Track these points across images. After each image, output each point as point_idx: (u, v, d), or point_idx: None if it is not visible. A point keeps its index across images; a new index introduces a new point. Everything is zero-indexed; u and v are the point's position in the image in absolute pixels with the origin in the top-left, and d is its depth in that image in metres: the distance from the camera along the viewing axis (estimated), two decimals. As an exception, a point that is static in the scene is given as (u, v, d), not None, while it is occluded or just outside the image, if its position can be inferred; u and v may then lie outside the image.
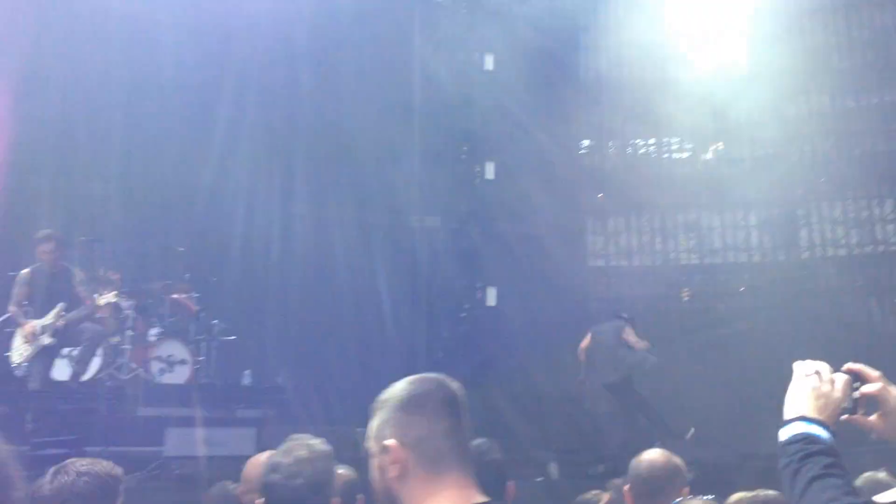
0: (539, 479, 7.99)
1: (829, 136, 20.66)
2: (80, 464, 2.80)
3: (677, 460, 3.14)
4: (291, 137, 14.70)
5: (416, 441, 1.84)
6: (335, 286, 14.69)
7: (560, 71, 18.28)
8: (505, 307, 15.15)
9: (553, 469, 8.23)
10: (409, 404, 1.89)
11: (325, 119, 14.81)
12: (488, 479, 2.89)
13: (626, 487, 3.12)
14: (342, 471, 3.12)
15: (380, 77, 15.32)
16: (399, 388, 1.91)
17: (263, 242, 14.40)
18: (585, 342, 11.83)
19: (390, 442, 1.84)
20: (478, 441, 3.08)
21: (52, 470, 2.82)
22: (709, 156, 22.14)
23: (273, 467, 2.66)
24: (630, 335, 11.01)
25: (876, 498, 1.80)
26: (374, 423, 1.88)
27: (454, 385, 1.92)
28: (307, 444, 2.69)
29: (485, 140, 15.66)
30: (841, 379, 1.92)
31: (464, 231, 15.27)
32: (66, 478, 2.73)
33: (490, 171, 15.44)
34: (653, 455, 3.12)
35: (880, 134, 20.36)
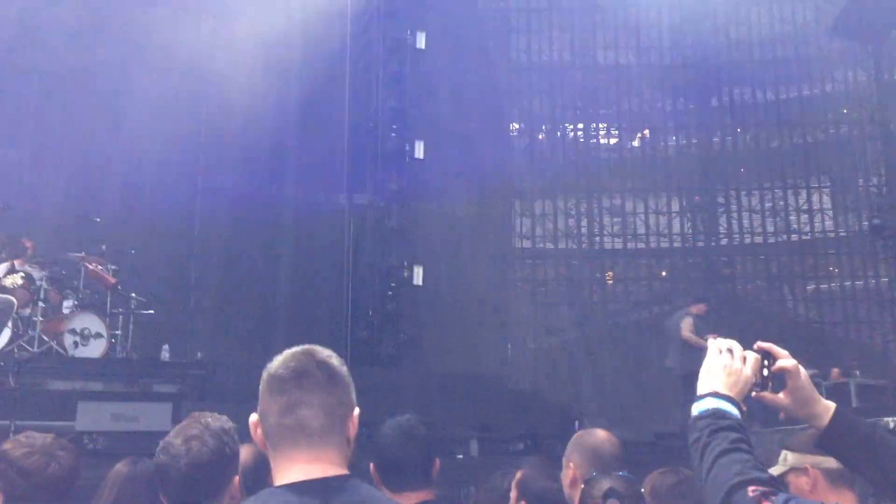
0: (459, 457, 8.06)
1: (749, 128, 21.30)
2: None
3: (616, 438, 3.19)
4: (213, 109, 14.34)
5: (264, 416, 1.82)
6: (259, 261, 14.47)
7: (492, 53, 18.30)
8: (431, 286, 15.17)
9: (473, 446, 8.31)
10: (267, 379, 1.84)
11: (251, 92, 14.49)
12: (415, 455, 2.86)
13: (571, 465, 3.13)
14: (249, 448, 3.05)
15: (309, 51, 15.08)
16: (271, 362, 1.85)
17: (185, 215, 14.06)
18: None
19: (251, 417, 1.82)
20: (405, 416, 3.04)
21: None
22: (635, 143, 22.57)
23: (163, 447, 2.56)
24: (686, 328, 10.96)
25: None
26: None
27: (319, 357, 1.84)
28: (202, 422, 2.59)
29: (415, 119, 15.58)
30: (752, 357, 1.96)
31: (392, 209, 15.20)
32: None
33: (420, 150, 15.37)
34: (599, 435, 3.16)
35: (797, 127, 21.08)
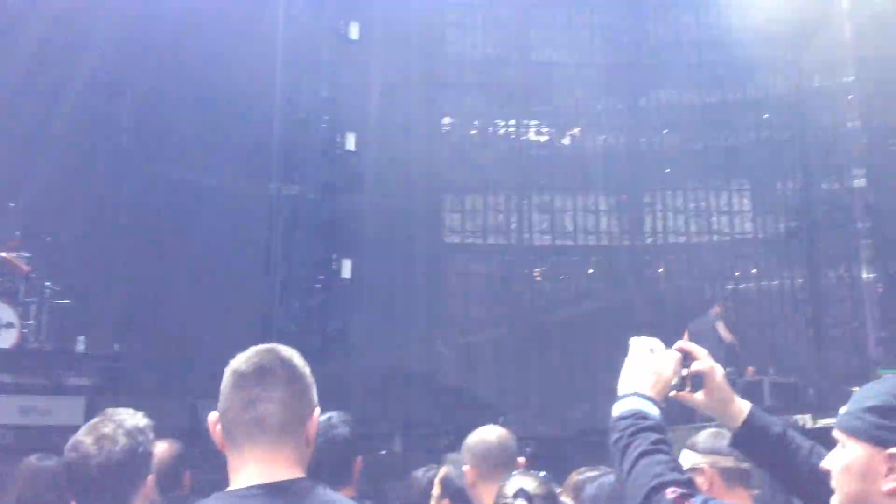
0: (383, 452, 8.00)
1: (675, 129, 21.77)
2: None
3: (508, 435, 3.18)
4: (140, 93, 13.94)
5: (223, 413, 1.78)
6: (184, 251, 14.12)
7: (425, 45, 18.24)
8: (360, 279, 15.08)
9: (397, 442, 8.27)
10: (230, 375, 1.81)
11: (181, 76, 14.13)
12: (334, 454, 2.82)
13: (467, 467, 3.12)
14: (165, 445, 2.94)
15: (240, 38, 14.77)
16: (234, 359, 1.83)
17: (105, 202, 13.62)
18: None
19: (210, 415, 1.79)
20: (327, 415, 2.99)
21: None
22: (566, 141, 22.83)
23: (73, 445, 2.46)
24: (721, 328, 11.34)
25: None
26: None
27: (281, 355, 1.82)
28: (115, 420, 2.50)
29: (347, 110, 15.43)
30: (672, 357, 1.98)
31: (322, 201, 15.04)
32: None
33: (351, 142, 15.25)
34: (485, 433, 3.14)
35: (720, 130, 21.66)
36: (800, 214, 19.37)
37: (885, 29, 17.35)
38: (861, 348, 17.73)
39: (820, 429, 8.33)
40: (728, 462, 2.58)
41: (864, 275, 18.63)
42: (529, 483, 2.46)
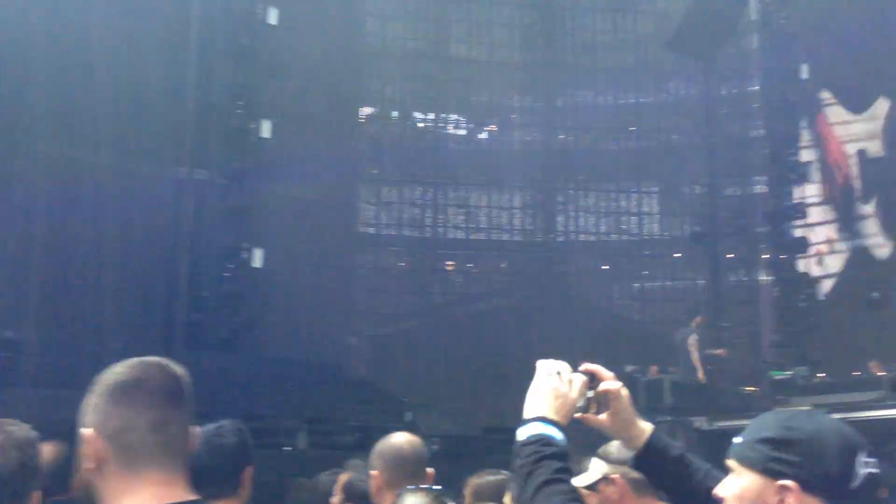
0: (287, 449, 7.89)
1: (589, 130, 22.20)
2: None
3: (420, 443, 3.16)
4: (41, 71, 13.30)
5: (115, 432, 1.68)
6: (85, 235, 13.59)
7: (345, 35, 18.05)
8: (271, 269, 14.82)
9: (302, 438, 8.18)
10: (116, 391, 1.70)
11: (88, 56, 13.58)
12: (220, 464, 2.74)
13: (375, 473, 3.09)
14: (51, 447, 2.81)
15: (154, 18, 14.30)
16: (112, 372, 1.71)
17: (2, 184, 12.97)
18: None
19: (87, 431, 1.68)
20: (217, 423, 2.91)
21: None
22: (483, 136, 23.00)
23: None
24: (693, 342, 11.64)
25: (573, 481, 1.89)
26: (84, 407, 1.70)
27: (177, 372, 1.74)
28: (5, 431, 2.36)
29: (263, 97, 15.13)
30: (578, 379, 1.99)
31: (234, 188, 14.70)
32: None
33: (266, 129, 14.94)
34: (398, 440, 3.11)
35: (632, 132, 22.21)
36: (704, 218, 20.02)
37: (790, 41, 18.09)
38: (757, 351, 18.49)
39: (715, 430, 8.66)
40: (639, 473, 2.64)
41: (762, 279, 19.43)
42: (422, 501, 2.44)
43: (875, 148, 19.58)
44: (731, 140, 20.35)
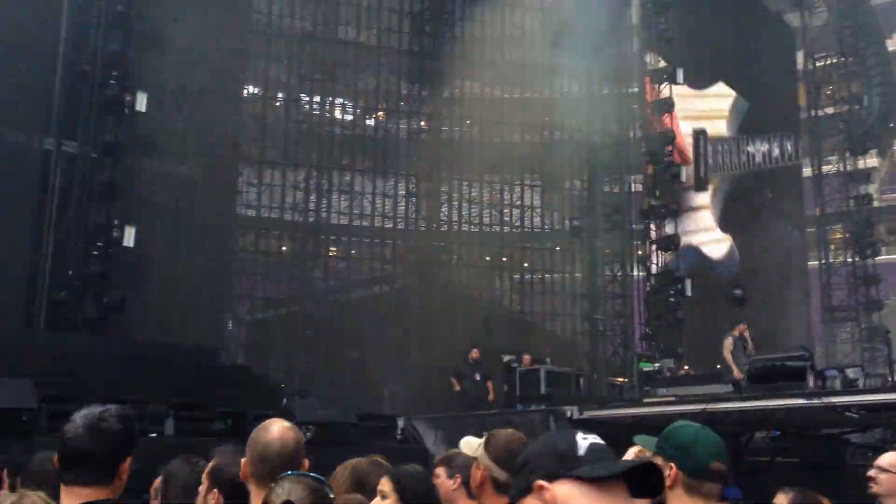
0: (153, 436, 7.59)
1: (476, 122, 22.40)
2: None
3: (294, 434, 3.05)
4: None
5: None
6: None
7: (231, 8, 17.45)
8: (144, 249, 14.21)
9: (169, 424, 7.87)
10: None
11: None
12: (100, 451, 2.59)
13: (244, 460, 2.96)
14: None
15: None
16: None
17: None
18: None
19: None
20: (97, 409, 2.72)
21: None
22: (370, 122, 22.82)
23: None
24: (726, 349, 11.81)
25: None
26: None
27: None
28: None
29: (139, 68, 14.42)
30: None
31: (105, 162, 13.97)
32: None
33: (142, 102, 14.26)
34: (273, 428, 2.99)
35: (517, 126, 22.56)
36: (583, 213, 20.60)
37: (668, 46, 18.82)
38: (628, 342, 19.21)
39: (586, 419, 8.91)
40: (501, 476, 2.62)
41: (635, 273, 20.20)
42: (299, 490, 2.34)
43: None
44: (610, 138, 21.01)
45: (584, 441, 1.50)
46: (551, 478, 1.47)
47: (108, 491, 2.74)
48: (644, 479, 1.47)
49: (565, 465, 1.46)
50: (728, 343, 12.21)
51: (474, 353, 13.65)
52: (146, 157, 14.98)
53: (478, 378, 13.46)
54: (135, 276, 14.18)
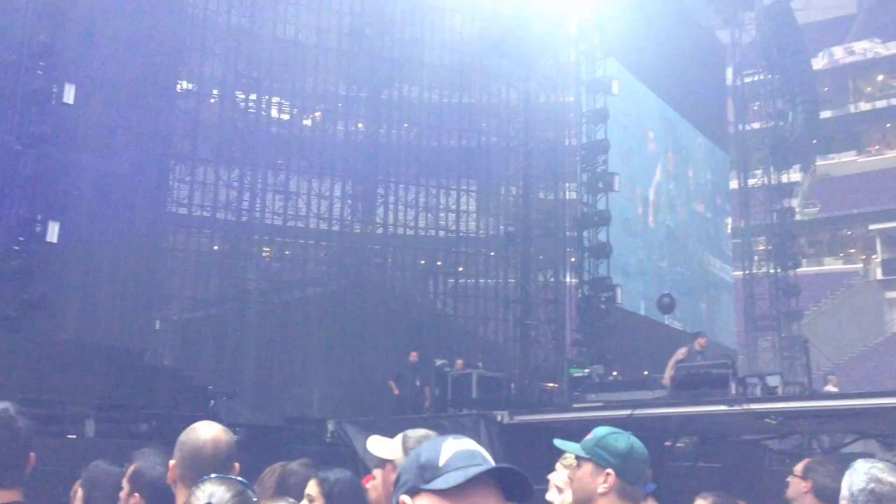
0: (72, 437, 7.34)
1: (413, 125, 22.42)
2: None
3: (226, 437, 2.99)
4: None
5: None
6: None
7: (164, 3, 17.07)
8: (69, 245, 13.77)
9: (90, 426, 7.64)
10: None
11: None
12: (7, 450, 2.50)
13: (172, 463, 2.89)
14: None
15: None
16: None
17: None
18: None
19: None
20: (3, 405, 2.62)
21: None
22: (307, 122, 22.60)
23: None
24: (677, 356, 11.71)
25: None
26: None
27: None
28: None
29: (68, 59, 13.99)
30: None
31: (29, 155, 13.52)
32: None
33: (70, 94, 13.83)
34: (201, 430, 2.92)
35: (454, 131, 22.66)
36: (517, 219, 20.78)
37: (604, 57, 19.16)
38: (559, 348, 19.45)
39: (515, 424, 8.98)
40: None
41: (568, 280, 20.47)
42: (221, 492, 2.30)
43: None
44: (546, 146, 21.26)
45: (450, 449, 1.44)
46: (413, 492, 1.43)
47: (18, 492, 2.65)
48: (513, 481, 1.42)
49: (425, 478, 1.41)
50: (682, 351, 12.34)
51: (413, 356, 13.66)
52: (73, 150, 14.54)
53: (418, 383, 13.48)
54: (58, 272, 13.75)
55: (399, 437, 2.83)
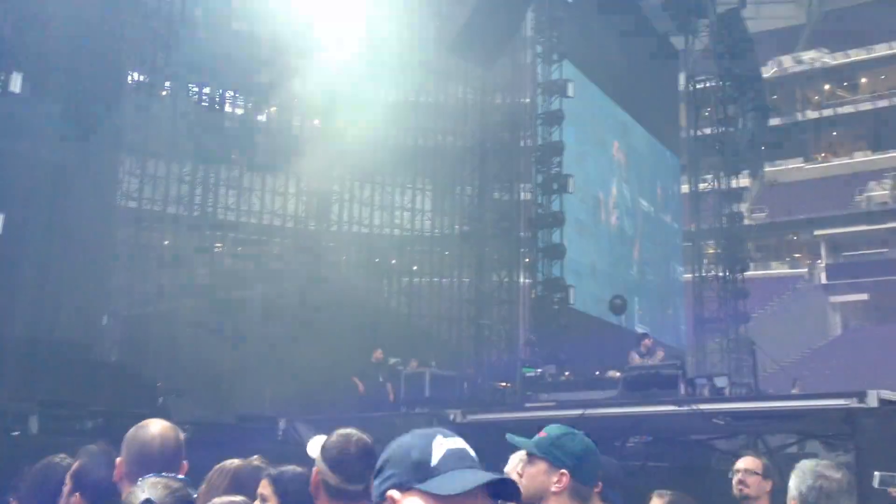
0: (15, 434, 7.16)
1: (373, 125, 22.31)
2: None
3: (174, 433, 2.93)
4: None
5: None
6: None
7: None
8: (14, 237, 13.42)
9: (33, 423, 7.45)
10: None
11: None
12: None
13: (119, 460, 2.83)
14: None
15: None
16: None
17: None
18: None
19: None
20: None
21: None
22: (262, 118, 22.36)
23: None
24: (633, 360, 12.25)
25: None
26: None
27: None
28: None
29: (15, 47, 13.63)
30: None
31: (-27, 145, 13.15)
32: None
33: (17, 83, 13.48)
34: (149, 427, 2.86)
35: (410, 130, 22.62)
36: (472, 219, 20.84)
37: (560, 59, 19.30)
38: (512, 348, 19.55)
39: (468, 423, 9.00)
40: (332, 480, 2.53)
41: (521, 280, 20.59)
42: (158, 490, 2.25)
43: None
44: (501, 146, 21.35)
45: (441, 447, 1.44)
46: (403, 488, 1.41)
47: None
48: (501, 486, 1.42)
49: (418, 476, 1.40)
50: (636, 360, 12.55)
51: (377, 354, 13.58)
52: (18, 140, 14.16)
53: (381, 380, 13.41)
54: (2, 266, 13.39)
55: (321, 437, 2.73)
